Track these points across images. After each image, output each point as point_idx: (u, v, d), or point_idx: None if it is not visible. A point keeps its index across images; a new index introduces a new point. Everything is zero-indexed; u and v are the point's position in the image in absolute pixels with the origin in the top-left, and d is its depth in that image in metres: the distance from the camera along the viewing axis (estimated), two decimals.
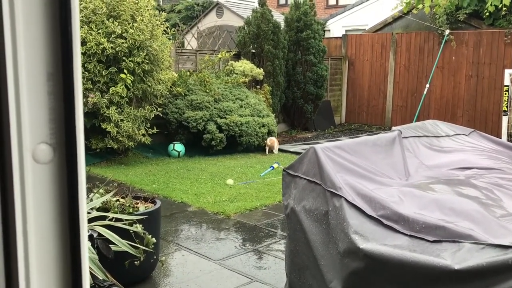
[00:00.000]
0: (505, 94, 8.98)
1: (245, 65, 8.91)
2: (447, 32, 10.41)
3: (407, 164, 3.18)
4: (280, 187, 5.84)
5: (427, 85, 7.05)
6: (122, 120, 6.76)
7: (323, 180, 2.53)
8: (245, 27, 9.73)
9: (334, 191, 2.42)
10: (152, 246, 3.09)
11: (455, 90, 10.70)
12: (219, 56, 8.89)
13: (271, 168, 6.93)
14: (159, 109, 7.21)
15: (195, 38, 11.56)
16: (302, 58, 10.31)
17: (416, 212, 2.21)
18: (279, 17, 12.30)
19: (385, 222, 2.21)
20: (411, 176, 3.04)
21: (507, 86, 8.93)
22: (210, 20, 13.51)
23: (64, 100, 0.60)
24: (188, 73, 8.43)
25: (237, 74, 8.82)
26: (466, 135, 3.95)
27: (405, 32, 11.35)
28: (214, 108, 8.05)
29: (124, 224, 2.93)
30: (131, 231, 3.02)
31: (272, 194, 5.66)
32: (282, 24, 10.19)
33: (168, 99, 7.84)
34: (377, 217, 2.24)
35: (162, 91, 7.27)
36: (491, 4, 9.50)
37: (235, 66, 8.92)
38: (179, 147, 7.88)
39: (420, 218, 2.13)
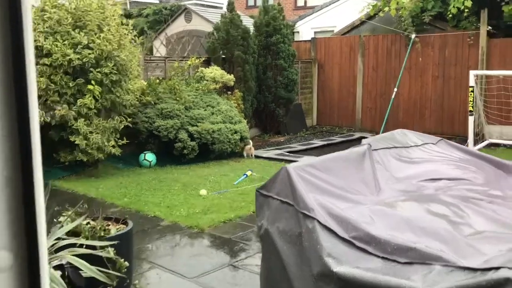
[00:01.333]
0: (471, 94, 9.23)
1: (215, 71, 8.88)
2: (413, 36, 10.61)
3: (378, 177, 3.21)
4: (253, 198, 5.85)
5: (395, 89, 7.16)
6: (91, 132, 6.65)
7: (295, 201, 2.54)
8: (214, 33, 9.72)
9: (306, 212, 2.43)
10: (125, 270, 3.05)
11: (422, 91, 10.92)
12: (189, 62, 8.85)
13: (245, 176, 6.93)
14: (128, 119, 7.11)
15: (164, 45, 11.47)
16: (273, 62, 10.36)
17: (388, 233, 2.24)
18: (247, 20, 12.36)
19: (357, 244, 2.22)
20: (382, 190, 3.07)
21: (472, 87, 9.17)
22: (179, 25, 13.43)
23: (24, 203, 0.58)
24: (157, 81, 8.36)
25: (207, 80, 8.78)
26: (434, 143, 4.01)
27: (372, 34, 11.52)
28: (185, 116, 8.00)
29: (96, 250, 2.88)
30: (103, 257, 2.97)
31: (246, 203, 5.65)
32: (251, 28, 10.21)
33: (138, 109, 7.75)
34: (350, 239, 2.26)
35: (131, 100, 7.18)
36: (453, 6, 9.75)
37: (205, 72, 8.88)
38: (150, 156, 7.80)
39: (392, 240, 2.16)
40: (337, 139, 10.51)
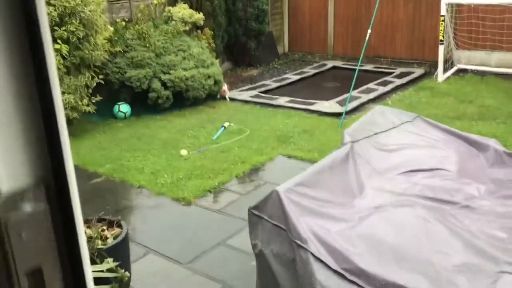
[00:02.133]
0: (441, 24, 9.24)
1: (183, 11, 8.51)
2: None
3: (361, 175, 3.38)
4: (235, 156, 5.99)
5: (369, 31, 7.11)
6: (63, 92, 6.48)
7: (288, 228, 2.69)
8: None
9: (300, 243, 2.59)
10: (126, 279, 3.22)
11: (394, 14, 10.81)
12: (155, 2, 8.43)
13: (223, 128, 6.98)
14: (100, 76, 6.92)
15: None
16: None
17: (376, 265, 2.44)
18: None
19: (348, 277, 2.43)
20: (365, 191, 3.25)
21: (443, 16, 9.16)
22: None
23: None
24: (123, 23, 7.98)
25: (175, 21, 8.43)
26: (410, 121, 4.17)
27: None
28: (157, 64, 7.81)
29: (97, 269, 3.01)
30: (103, 270, 3.10)
31: (228, 165, 5.79)
32: None
33: (108, 59, 7.48)
34: (341, 271, 2.46)
35: (101, 56, 6.93)
36: None
37: (173, 12, 8.50)
38: (124, 107, 7.71)
39: (379, 275, 2.37)
40: (310, 71, 10.44)
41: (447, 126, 4.14)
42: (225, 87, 8.62)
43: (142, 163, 5.95)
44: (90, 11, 6.45)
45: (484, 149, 3.66)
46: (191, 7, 8.72)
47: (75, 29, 6.34)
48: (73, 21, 6.32)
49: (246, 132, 6.80)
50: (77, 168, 5.60)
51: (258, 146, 6.30)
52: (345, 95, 8.15)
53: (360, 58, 7.16)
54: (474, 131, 5.25)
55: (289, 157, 5.98)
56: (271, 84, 9.53)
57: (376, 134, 3.75)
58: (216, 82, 8.31)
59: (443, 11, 9.07)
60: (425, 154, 3.72)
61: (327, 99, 8.14)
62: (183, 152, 6.19)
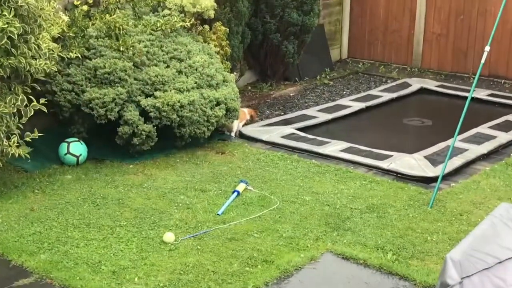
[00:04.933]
0: None
1: None
2: None
3: None
4: (252, 248, 5.88)
5: (487, 48, 6.95)
6: None
7: None
8: None
9: None
10: None
11: None
12: None
13: (236, 194, 6.89)
14: (42, 99, 6.84)
15: None
16: None
17: None
18: None
19: None
20: None
21: None
22: None
23: None
24: (84, 9, 7.94)
25: (170, 9, 8.42)
26: None
27: None
28: (135, 80, 7.79)
29: None
30: None
31: (241, 266, 5.59)
32: None
33: (56, 69, 7.32)
34: None
35: (46, 65, 6.85)
36: None
37: None
38: (77, 148, 7.73)
39: None
40: (383, 94, 10.53)
41: None
42: (245, 114, 8.81)
43: (99, 252, 5.82)
44: None
45: None
46: None
47: (6, 24, 6.29)
48: (4, 11, 6.29)
49: (273, 204, 6.70)
50: None
51: (293, 233, 6.20)
52: (440, 144, 8.03)
53: (474, 83, 7.01)
54: None
55: (345, 257, 5.83)
56: (317, 114, 9.48)
57: (501, 262, 3.58)
58: (230, 111, 8.26)
59: None
60: None
61: (409, 150, 8.00)
62: (168, 236, 6.03)
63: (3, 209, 6.53)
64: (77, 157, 7.67)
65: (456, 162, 7.71)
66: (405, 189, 7.18)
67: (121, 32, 7.87)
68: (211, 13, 8.63)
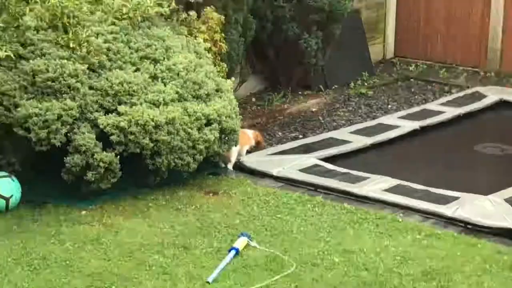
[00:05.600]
0: None
1: None
2: None
3: None
4: None
5: None
6: None
7: None
8: None
9: None
10: None
11: None
12: None
13: (234, 252, 6.39)
14: None
15: None
16: None
17: None
18: None
19: None
20: None
21: None
22: None
23: None
24: None
25: None
26: None
27: None
28: (90, 88, 7.41)
29: None
30: None
31: None
32: None
33: None
34: None
35: None
36: None
37: None
38: (6, 187, 7.30)
39: None
40: (445, 109, 10.04)
41: None
42: (248, 138, 8.51)
43: None
44: None
45: None
46: None
47: None
48: None
49: (286, 268, 6.25)
50: None
51: None
52: None
53: None
54: None
55: None
56: (351, 138, 9.11)
57: None
58: (225, 133, 7.89)
59: None
60: None
61: (483, 190, 7.62)
62: None
63: None
64: (7, 199, 7.32)
65: None
66: (478, 247, 6.73)
67: (71, 21, 7.52)
68: None
